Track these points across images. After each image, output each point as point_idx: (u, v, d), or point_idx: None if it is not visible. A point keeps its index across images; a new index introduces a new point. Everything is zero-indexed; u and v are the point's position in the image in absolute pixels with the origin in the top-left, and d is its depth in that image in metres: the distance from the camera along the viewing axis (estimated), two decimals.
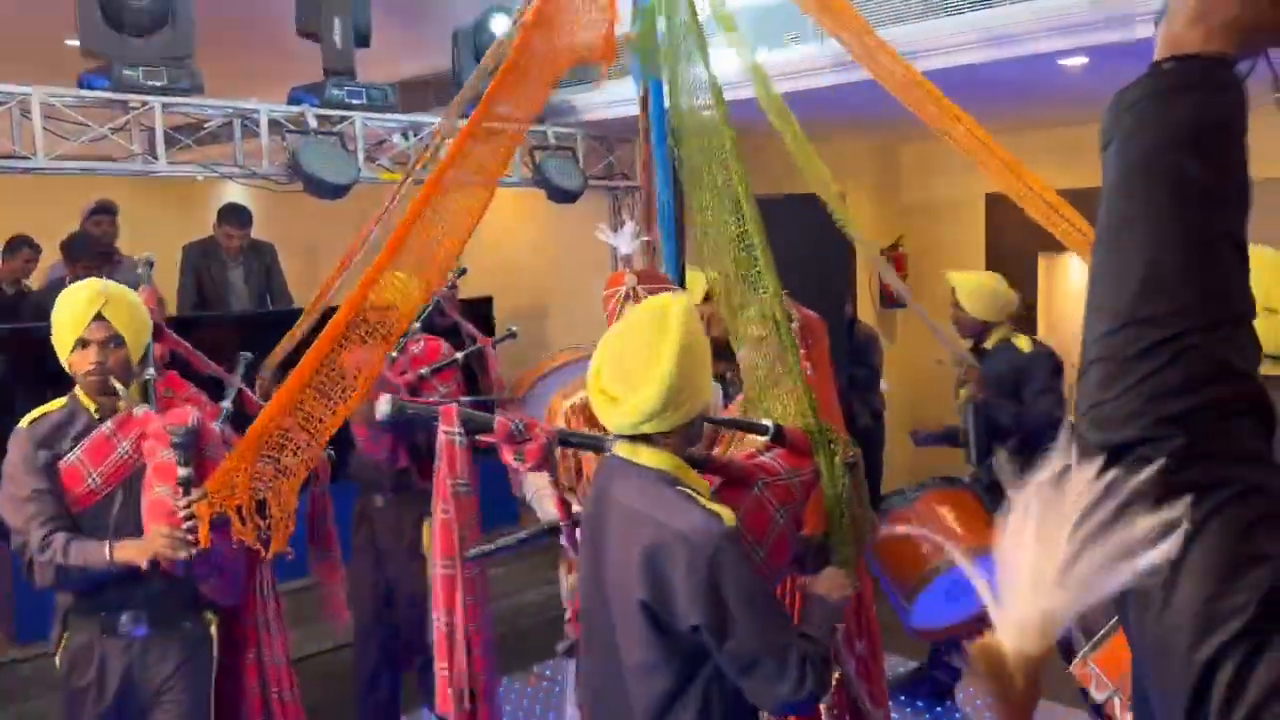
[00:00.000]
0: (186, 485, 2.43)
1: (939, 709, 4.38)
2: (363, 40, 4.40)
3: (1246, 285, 0.81)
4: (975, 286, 4.20)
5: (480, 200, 2.79)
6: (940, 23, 4.04)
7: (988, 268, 6.89)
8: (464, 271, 4.47)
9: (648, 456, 1.96)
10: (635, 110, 4.22)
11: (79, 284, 2.62)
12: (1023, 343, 4.19)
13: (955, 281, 4.22)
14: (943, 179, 7.12)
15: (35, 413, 2.57)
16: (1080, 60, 4.11)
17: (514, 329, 4.34)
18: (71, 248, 5.45)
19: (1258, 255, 2.26)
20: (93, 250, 5.51)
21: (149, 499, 2.51)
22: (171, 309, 5.97)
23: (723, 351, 3.34)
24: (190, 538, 2.40)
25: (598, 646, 2.13)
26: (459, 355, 3.90)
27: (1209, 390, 0.74)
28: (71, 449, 2.51)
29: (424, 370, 3.71)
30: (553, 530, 2.58)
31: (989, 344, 4.23)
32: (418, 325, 3.81)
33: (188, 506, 2.42)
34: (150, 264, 3.10)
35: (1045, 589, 0.58)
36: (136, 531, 2.49)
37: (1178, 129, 0.80)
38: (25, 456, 2.47)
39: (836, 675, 2.62)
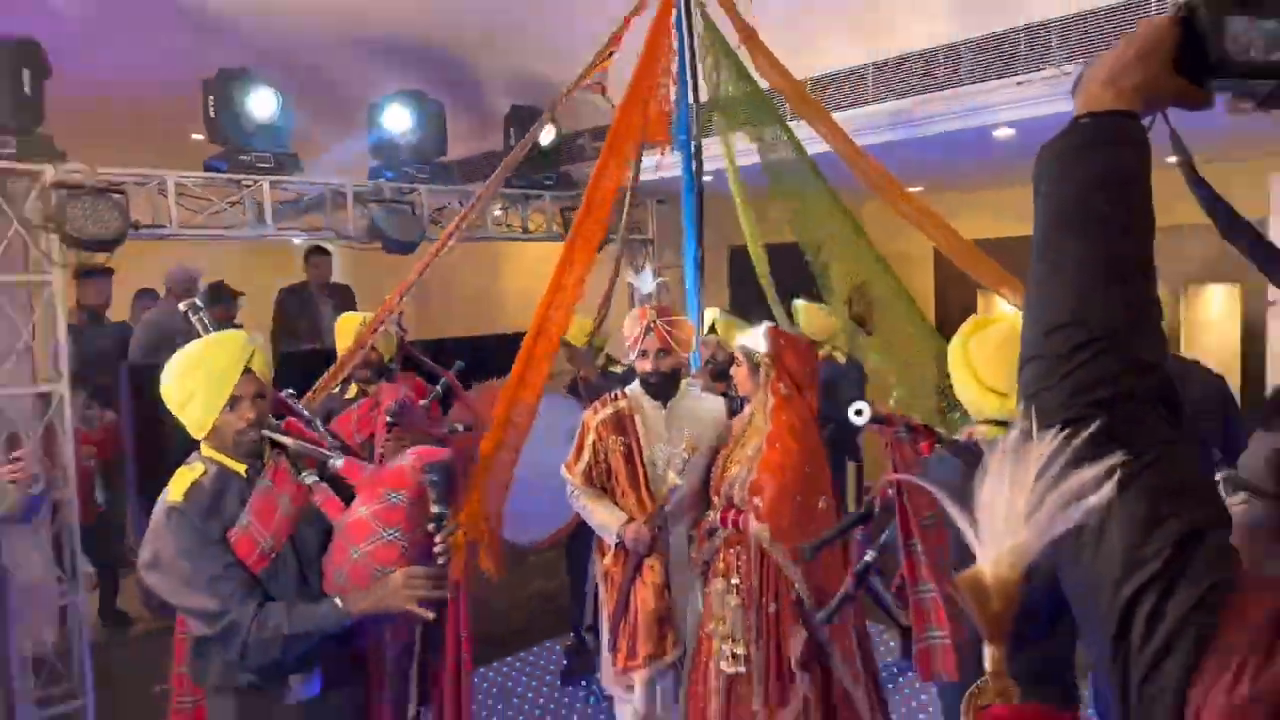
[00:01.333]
0: (439, 521, 1.96)
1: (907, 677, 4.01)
2: (409, 134, 4.45)
3: (1154, 295, 0.82)
4: (811, 313, 4.04)
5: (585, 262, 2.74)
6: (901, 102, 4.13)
7: (936, 310, 6.86)
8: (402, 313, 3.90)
9: None
10: (646, 177, 4.31)
11: (220, 337, 2.00)
12: (840, 356, 4.17)
13: (797, 307, 4.06)
14: (899, 234, 7.13)
15: (183, 484, 1.87)
16: (1008, 131, 4.15)
17: (461, 363, 3.86)
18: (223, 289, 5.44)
19: (993, 332, 2.07)
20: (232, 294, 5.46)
21: (368, 548, 1.90)
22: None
23: (723, 373, 3.37)
24: (445, 576, 1.96)
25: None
26: (438, 388, 3.55)
27: (1125, 381, 0.75)
28: (240, 514, 1.88)
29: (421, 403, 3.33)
30: (868, 515, 2.35)
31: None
32: (395, 366, 3.63)
33: (443, 542, 1.96)
34: (198, 309, 2.30)
35: (1015, 528, 0.59)
36: (311, 591, 1.95)
37: (1096, 174, 0.82)
38: (196, 532, 1.82)
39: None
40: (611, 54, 3.10)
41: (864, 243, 2.96)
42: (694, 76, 3.13)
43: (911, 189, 6.90)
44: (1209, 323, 6.43)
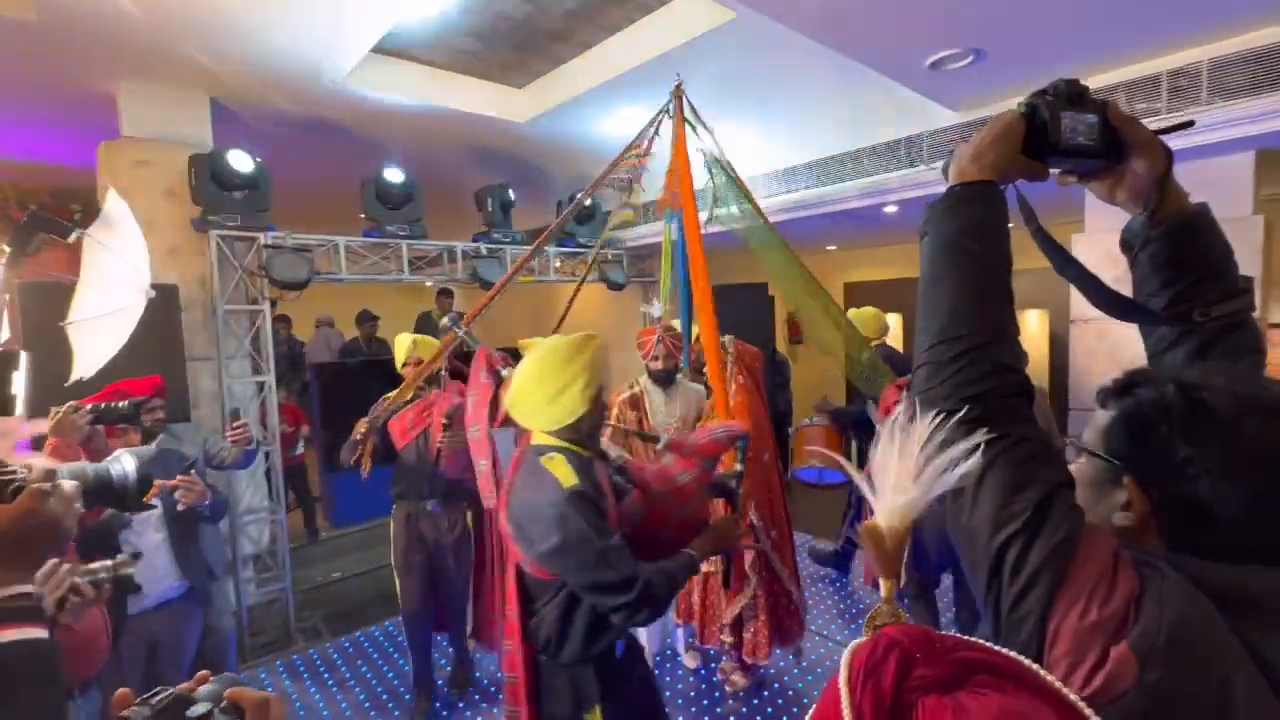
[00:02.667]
0: (741, 477, 1.65)
1: (842, 577, 3.70)
2: (504, 210, 4.41)
3: (1012, 314, 0.75)
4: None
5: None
6: (832, 187, 4.06)
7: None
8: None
9: None
10: (654, 240, 4.24)
11: (586, 337, 1.48)
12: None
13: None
14: (819, 275, 7.04)
15: (568, 473, 1.34)
16: (894, 208, 4.10)
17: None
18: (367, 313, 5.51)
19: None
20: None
21: (694, 505, 1.58)
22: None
23: (701, 369, 3.29)
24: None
25: None
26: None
27: (992, 380, 0.69)
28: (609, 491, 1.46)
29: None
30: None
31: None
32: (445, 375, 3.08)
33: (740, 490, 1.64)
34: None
35: (904, 489, 0.53)
36: None
37: (967, 223, 0.76)
38: (596, 510, 1.33)
39: (759, 549, 2.51)
40: (636, 156, 3.01)
41: (800, 279, 2.88)
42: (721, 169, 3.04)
43: (829, 247, 6.86)
44: (1028, 337, 6.32)
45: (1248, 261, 2.62)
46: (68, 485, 0.71)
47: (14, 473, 0.69)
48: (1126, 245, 0.85)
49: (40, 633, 0.63)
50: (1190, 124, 0.89)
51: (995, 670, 0.38)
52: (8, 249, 1.44)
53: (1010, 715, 0.35)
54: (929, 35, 2.48)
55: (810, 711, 0.41)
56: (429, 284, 5.61)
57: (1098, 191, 0.84)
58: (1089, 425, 0.72)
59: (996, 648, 0.41)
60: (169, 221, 3.27)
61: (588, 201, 4.65)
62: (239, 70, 3.14)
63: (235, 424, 2.40)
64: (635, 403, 2.88)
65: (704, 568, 2.63)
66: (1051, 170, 0.82)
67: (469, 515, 2.74)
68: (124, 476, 0.79)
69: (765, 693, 2.81)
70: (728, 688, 2.82)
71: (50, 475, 0.70)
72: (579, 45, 3.41)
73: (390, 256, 3.91)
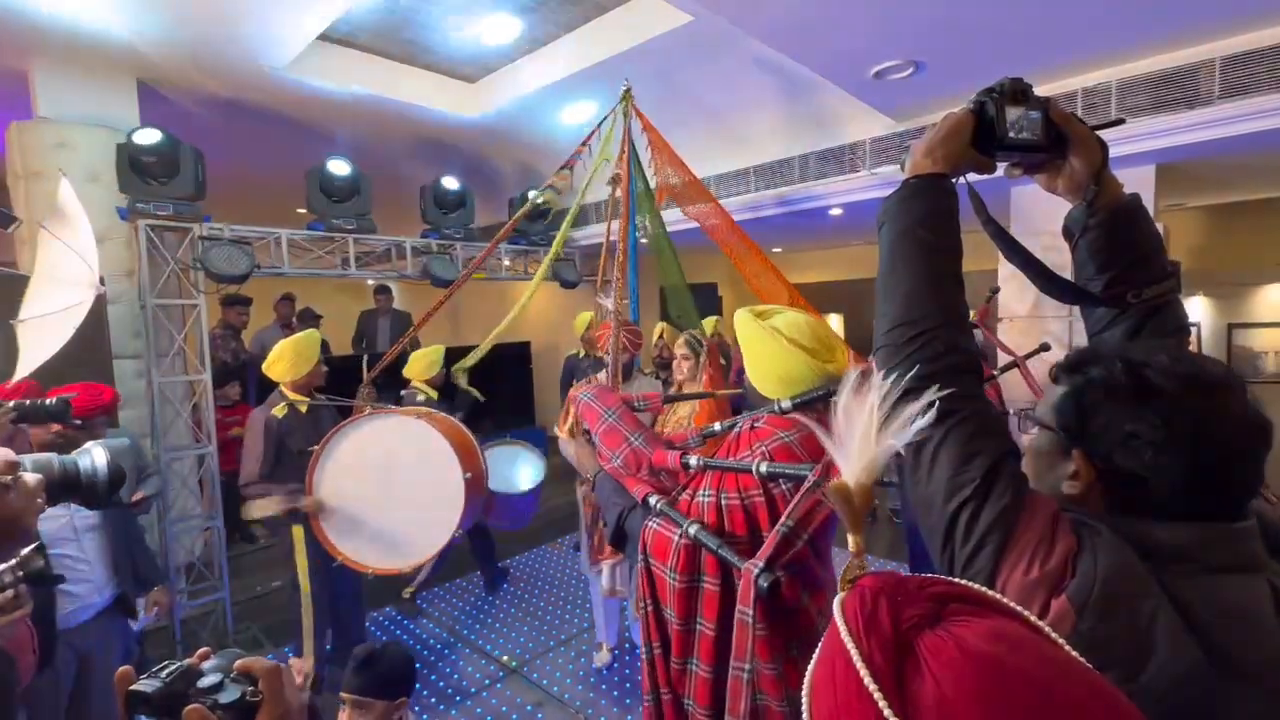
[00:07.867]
0: None
1: None
2: (449, 208, 4.31)
3: (961, 299, 0.78)
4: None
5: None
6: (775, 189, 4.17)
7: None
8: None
9: None
10: (602, 239, 4.22)
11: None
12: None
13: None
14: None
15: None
16: (839, 210, 4.26)
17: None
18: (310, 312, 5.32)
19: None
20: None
21: None
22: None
23: (666, 364, 3.32)
24: None
25: None
26: None
27: (946, 360, 0.72)
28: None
29: None
30: None
31: None
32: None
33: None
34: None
35: (868, 446, 0.54)
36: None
37: (921, 214, 0.78)
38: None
39: None
40: (576, 158, 3.05)
41: (685, 287, 3.02)
42: (642, 177, 3.06)
43: (774, 249, 7.04)
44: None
45: None
46: (31, 478, 0.66)
47: None
48: (1068, 233, 0.90)
49: None
50: (1121, 121, 0.97)
51: (963, 599, 0.40)
52: None
53: (1000, 634, 0.37)
54: (874, 47, 2.61)
55: (811, 669, 0.42)
56: (370, 282, 5.40)
57: (1041, 183, 0.89)
58: (1043, 399, 0.75)
59: (954, 579, 0.43)
60: (91, 209, 3.02)
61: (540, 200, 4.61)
62: (170, 52, 2.95)
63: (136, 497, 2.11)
64: None
65: None
66: (1000, 164, 0.86)
67: None
68: (93, 470, 0.73)
69: None
70: None
71: (13, 467, 0.65)
72: (533, 41, 3.39)
73: (335, 251, 3.75)
